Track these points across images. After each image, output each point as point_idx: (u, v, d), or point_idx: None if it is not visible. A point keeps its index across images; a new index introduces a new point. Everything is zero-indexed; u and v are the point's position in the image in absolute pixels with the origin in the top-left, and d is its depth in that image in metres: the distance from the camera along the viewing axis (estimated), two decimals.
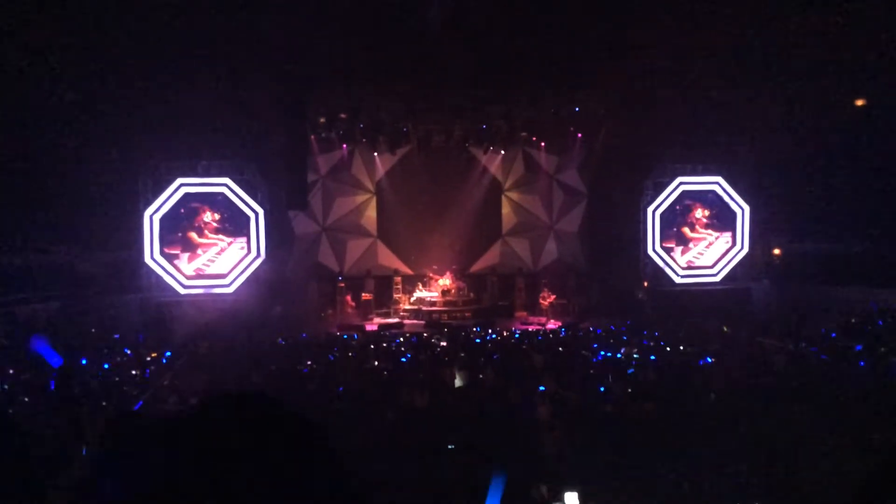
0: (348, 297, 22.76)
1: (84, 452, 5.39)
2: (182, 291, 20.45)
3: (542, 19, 16.53)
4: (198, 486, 0.88)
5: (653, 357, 11.79)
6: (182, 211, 20.67)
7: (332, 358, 12.47)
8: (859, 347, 12.37)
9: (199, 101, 18.88)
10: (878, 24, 16.85)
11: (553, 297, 22.48)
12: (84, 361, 11.24)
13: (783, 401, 7.20)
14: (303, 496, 0.91)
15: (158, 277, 20.43)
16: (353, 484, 0.96)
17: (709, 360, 11.17)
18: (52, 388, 7.99)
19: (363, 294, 22.84)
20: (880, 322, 16.15)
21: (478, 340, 15.54)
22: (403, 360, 11.85)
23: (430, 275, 22.88)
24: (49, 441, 5.73)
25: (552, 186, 24.85)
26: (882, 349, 11.66)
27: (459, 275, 23.04)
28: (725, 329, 16.44)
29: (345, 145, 23.06)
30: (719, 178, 22.80)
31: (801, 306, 19.46)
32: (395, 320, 21.85)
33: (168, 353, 13.43)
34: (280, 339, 15.84)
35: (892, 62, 17.80)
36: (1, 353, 12.47)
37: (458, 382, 8.71)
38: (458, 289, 22.52)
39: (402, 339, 15.91)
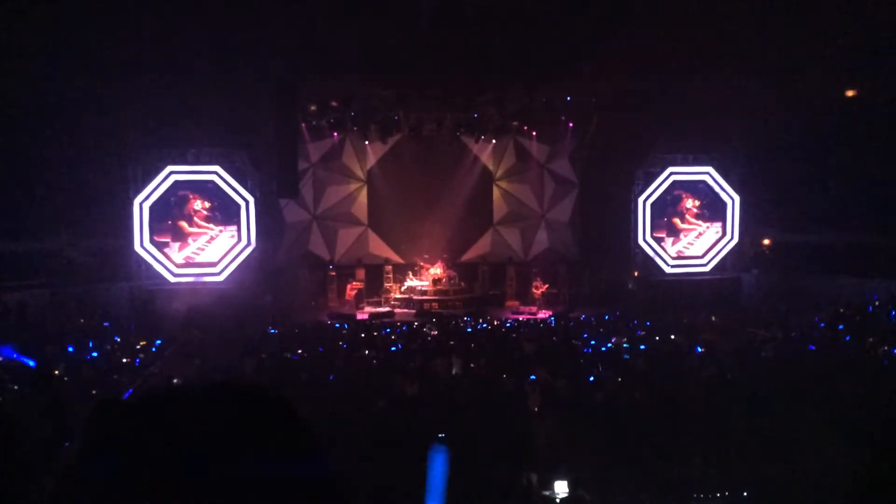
0: (348, 286, 22.64)
1: (70, 440, 5.37)
2: (172, 280, 20.35)
3: (534, 8, 16.49)
4: (178, 478, 0.86)
5: (643, 346, 11.85)
6: (172, 199, 20.50)
7: (322, 347, 12.47)
8: (848, 337, 12.47)
9: (190, 88, 18.73)
10: (868, 16, 16.87)
11: (544, 286, 22.49)
12: (72, 349, 11.19)
13: (772, 390, 7.25)
14: (285, 490, 0.89)
15: (148, 265, 20.31)
16: (338, 481, 0.94)
17: (699, 349, 11.24)
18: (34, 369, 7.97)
19: (354, 283, 22.80)
20: (870, 308, 16.27)
21: (469, 330, 15.56)
22: (394, 349, 11.87)
23: (421, 264, 22.82)
24: (39, 428, 5.70)
25: (543, 176, 24.81)
26: (871, 339, 11.75)
27: (450, 264, 22.98)
28: (714, 318, 16.54)
29: (336, 133, 22.94)
30: (710, 169, 22.82)
31: (790, 296, 19.57)
32: (386, 309, 21.82)
33: (158, 342, 13.38)
34: (271, 328, 15.81)
35: (883, 53, 17.84)
36: None
37: (455, 370, 8.82)
38: (449, 278, 22.48)
39: (392, 328, 15.92)
